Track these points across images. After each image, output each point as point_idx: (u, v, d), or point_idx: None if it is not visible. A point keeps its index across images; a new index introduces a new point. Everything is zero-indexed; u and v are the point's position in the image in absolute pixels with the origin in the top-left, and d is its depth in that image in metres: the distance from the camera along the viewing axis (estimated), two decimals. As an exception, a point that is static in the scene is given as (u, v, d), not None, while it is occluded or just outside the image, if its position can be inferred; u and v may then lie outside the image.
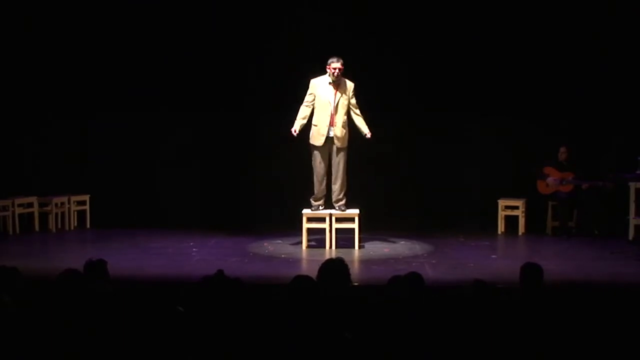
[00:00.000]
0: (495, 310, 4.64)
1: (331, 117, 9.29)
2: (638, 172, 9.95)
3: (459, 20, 10.97)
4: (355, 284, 6.70)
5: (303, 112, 9.35)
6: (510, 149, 10.99)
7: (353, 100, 9.33)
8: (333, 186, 9.53)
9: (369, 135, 9.38)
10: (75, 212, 11.25)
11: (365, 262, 8.80)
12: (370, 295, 5.21)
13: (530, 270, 5.33)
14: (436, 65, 11.06)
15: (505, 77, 10.94)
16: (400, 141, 11.16)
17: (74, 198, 11.21)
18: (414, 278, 4.88)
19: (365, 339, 4.31)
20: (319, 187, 9.51)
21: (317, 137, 9.36)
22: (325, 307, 4.59)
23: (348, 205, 9.57)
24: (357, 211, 9.49)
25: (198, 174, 11.34)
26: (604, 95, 10.78)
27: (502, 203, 10.84)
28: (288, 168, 10.87)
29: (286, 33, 11.04)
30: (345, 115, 9.31)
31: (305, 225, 9.45)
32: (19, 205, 10.75)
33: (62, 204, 11.10)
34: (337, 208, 9.55)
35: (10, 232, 10.58)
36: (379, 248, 9.53)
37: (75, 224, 11.24)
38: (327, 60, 9.22)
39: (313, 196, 9.56)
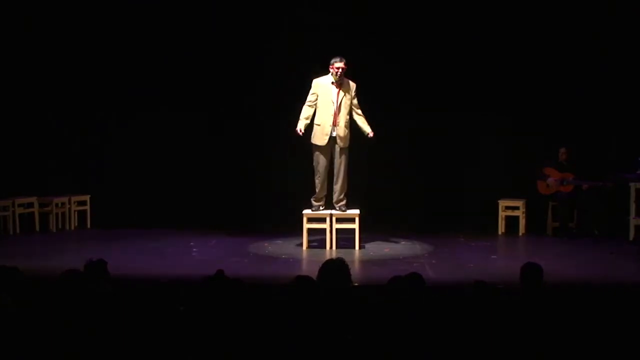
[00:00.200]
0: (495, 310, 4.64)
1: (334, 117, 9.30)
2: (638, 172, 9.98)
3: (459, 20, 10.97)
4: (356, 284, 6.70)
5: (306, 112, 9.36)
6: (510, 149, 10.99)
7: (355, 101, 9.35)
8: (334, 186, 9.53)
9: (371, 135, 9.39)
10: (76, 212, 11.26)
11: (365, 262, 8.80)
12: (370, 296, 5.20)
13: (531, 270, 5.33)
14: (436, 65, 11.06)
15: (506, 77, 10.94)
16: (400, 141, 11.16)
17: (74, 198, 11.21)
18: (414, 278, 4.88)
19: (365, 340, 4.31)
20: (320, 187, 9.52)
21: (320, 137, 9.36)
22: (325, 308, 4.59)
23: (348, 206, 9.58)
24: (357, 211, 9.49)
25: (198, 174, 11.33)
26: (603, 95, 10.78)
27: (502, 203, 10.84)
28: (288, 168, 10.88)
29: (286, 33, 11.05)
30: (348, 115, 9.32)
31: (306, 226, 9.46)
32: (19, 205, 10.75)
33: (63, 204, 11.10)
34: (337, 208, 9.55)
35: (11, 232, 10.59)
36: (380, 248, 9.53)
37: (76, 224, 11.25)
38: (330, 60, 9.24)
39: (314, 196, 9.57)
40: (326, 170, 9.49)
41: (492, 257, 9.32)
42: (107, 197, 11.27)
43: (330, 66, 9.26)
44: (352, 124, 9.40)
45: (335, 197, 9.56)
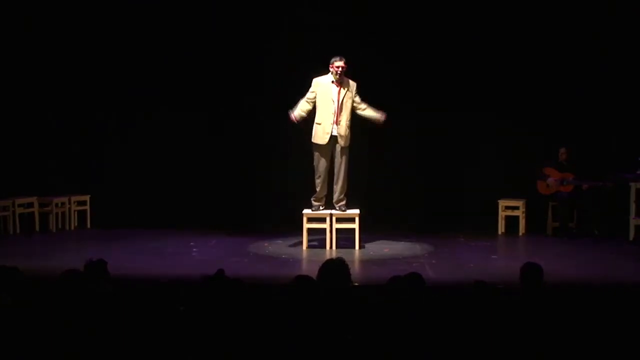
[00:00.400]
0: (495, 310, 4.64)
1: (335, 116, 9.31)
2: (638, 172, 9.98)
3: (459, 20, 10.97)
4: (356, 284, 6.70)
5: (303, 106, 9.37)
6: (510, 149, 10.99)
7: (357, 99, 9.36)
8: (334, 186, 9.53)
9: (383, 117, 9.35)
10: (76, 212, 11.26)
11: (365, 262, 8.80)
12: (370, 295, 5.20)
13: (530, 270, 5.33)
14: (436, 65, 11.06)
15: (506, 77, 10.94)
16: (400, 141, 11.17)
17: (74, 198, 11.21)
18: (414, 278, 4.88)
19: (365, 340, 4.31)
20: (320, 186, 9.52)
21: (320, 136, 9.36)
22: (325, 307, 4.59)
23: (348, 206, 9.58)
24: (357, 211, 9.49)
25: (198, 174, 11.33)
26: (603, 95, 10.77)
27: (502, 203, 10.84)
28: (288, 168, 10.88)
29: (286, 33, 11.05)
30: (349, 114, 9.33)
31: (306, 226, 9.46)
32: (19, 205, 10.75)
33: (63, 204, 11.10)
34: (337, 208, 9.55)
35: (11, 232, 10.59)
36: (379, 248, 9.53)
37: (76, 224, 11.25)
38: (330, 60, 9.27)
39: (314, 196, 9.57)
40: (327, 170, 9.49)
41: (492, 257, 9.32)
42: (107, 197, 11.27)
43: (330, 65, 9.29)
44: (354, 123, 9.40)
45: (335, 197, 9.56)
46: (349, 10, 10.92)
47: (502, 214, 10.83)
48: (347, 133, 9.34)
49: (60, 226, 11.06)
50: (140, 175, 11.32)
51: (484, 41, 10.94)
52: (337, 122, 9.32)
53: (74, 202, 11.22)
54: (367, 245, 9.58)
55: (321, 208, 9.57)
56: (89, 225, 11.26)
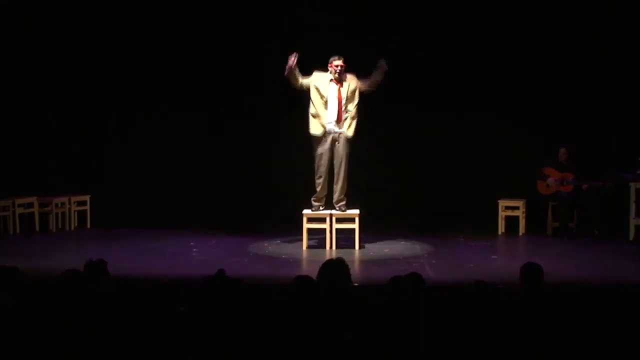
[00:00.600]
0: (495, 310, 4.64)
1: (339, 115, 9.33)
2: (638, 172, 9.98)
3: (459, 20, 10.97)
4: (356, 284, 6.70)
5: (299, 74, 9.32)
6: (510, 149, 10.99)
7: (362, 84, 9.38)
8: (334, 186, 9.54)
9: (384, 63, 9.36)
10: (76, 212, 11.26)
11: (365, 262, 8.80)
12: (370, 296, 5.20)
13: (530, 271, 5.33)
14: (436, 65, 11.06)
15: (506, 77, 10.94)
16: (400, 141, 11.17)
17: (74, 198, 11.22)
18: (414, 278, 4.88)
19: (365, 340, 4.31)
20: (321, 186, 9.51)
21: (317, 127, 9.37)
22: (325, 308, 4.59)
23: (348, 206, 9.58)
24: (357, 211, 9.49)
25: (198, 174, 11.33)
26: (603, 95, 10.77)
27: (502, 203, 10.84)
28: (288, 168, 10.88)
29: (286, 33, 11.05)
30: (354, 107, 9.33)
31: (306, 226, 9.46)
32: (19, 205, 10.75)
33: (63, 204, 11.10)
34: (337, 208, 9.55)
35: (11, 232, 10.59)
36: (379, 248, 9.53)
37: (76, 224, 11.25)
38: (329, 59, 9.32)
39: (314, 196, 9.57)
40: (327, 170, 9.50)
41: (492, 257, 9.32)
42: (107, 197, 11.28)
43: (329, 65, 9.34)
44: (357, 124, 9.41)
45: (335, 197, 9.56)
46: (349, 10, 10.91)
47: (502, 214, 10.83)
48: (349, 127, 9.34)
49: (60, 226, 11.06)
50: (140, 175, 11.32)
51: (484, 41, 10.94)
52: (340, 121, 9.33)
53: (74, 202, 11.22)
54: (367, 245, 9.58)
55: (321, 208, 9.57)
56: (89, 225, 11.26)
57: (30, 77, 11.20)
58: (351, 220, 9.48)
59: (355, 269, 8.19)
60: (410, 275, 4.93)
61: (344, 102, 9.32)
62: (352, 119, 9.35)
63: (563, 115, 10.84)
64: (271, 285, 6.50)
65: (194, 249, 9.49)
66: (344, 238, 9.53)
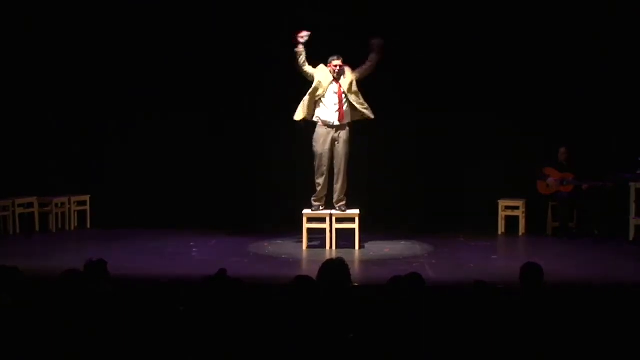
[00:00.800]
0: (495, 310, 4.64)
1: (339, 113, 9.37)
2: (638, 172, 9.98)
3: (459, 20, 10.97)
4: (356, 284, 6.70)
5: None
6: (510, 149, 10.99)
7: (356, 74, 9.44)
8: (334, 186, 9.54)
9: (380, 42, 9.42)
10: (76, 212, 11.26)
11: (365, 262, 8.80)
12: (370, 296, 5.20)
13: (530, 271, 5.33)
14: (436, 65, 11.06)
15: (506, 77, 10.94)
16: (400, 141, 11.17)
17: (74, 198, 11.21)
18: (415, 278, 4.88)
19: (365, 339, 4.31)
20: (321, 186, 9.50)
21: (301, 115, 9.45)
22: (325, 308, 4.59)
23: (348, 206, 9.58)
24: (357, 211, 9.49)
25: (198, 174, 11.33)
26: (603, 95, 10.77)
27: (502, 203, 10.84)
28: (288, 168, 10.88)
29: (286, 33, 11.03)
30: (360, 97, 9.40)
31: (306, 226, 9.46)
32: (19, 205, 10.75)
33: (63, 204, 11.10)
34: (337, 208, 9.56)
35: (11, 232, 10.59)
36: (380, 248, 9.53)
37: (76, 224, 11.25)
38: (328, 59, 9.36)
39: (314, 196, 9.57)
40: (327, 170, 9.50)
41: (492, 257, 9.32)
42: (107, 197, 11.27)
43: (328, 64, 9.39)
44: (356, 123, 9.44)
45: (335, 197, 9.56)
46: (349, 10, 10.91)
47: (502, 214, 10.83)
48: (364, 109, 9.43)
49: (60, 226, 11.06)
50: (140, 175, 11.32)
51: (484, 41, 10.94)
52: (342, 118, 9.37)
53: (74, 202, 11.22)
54: (367, 245, 9.58)
55: (321, 208, 9.58)
56: (89, 225, 11.26)
57: (30, 77, 11.20)
58: (351, 220, 9.48)
59: (355, 269, 8.19)
60: (410, 275, 4.93)
61: (344, 98, 9.35)
62: (364, 108, 9.43)
63: (563, 115, 10.84)
64: (271, 285, 6.49)
65: (194, 249, 9.49)
66: (344, 238, 9.52)
